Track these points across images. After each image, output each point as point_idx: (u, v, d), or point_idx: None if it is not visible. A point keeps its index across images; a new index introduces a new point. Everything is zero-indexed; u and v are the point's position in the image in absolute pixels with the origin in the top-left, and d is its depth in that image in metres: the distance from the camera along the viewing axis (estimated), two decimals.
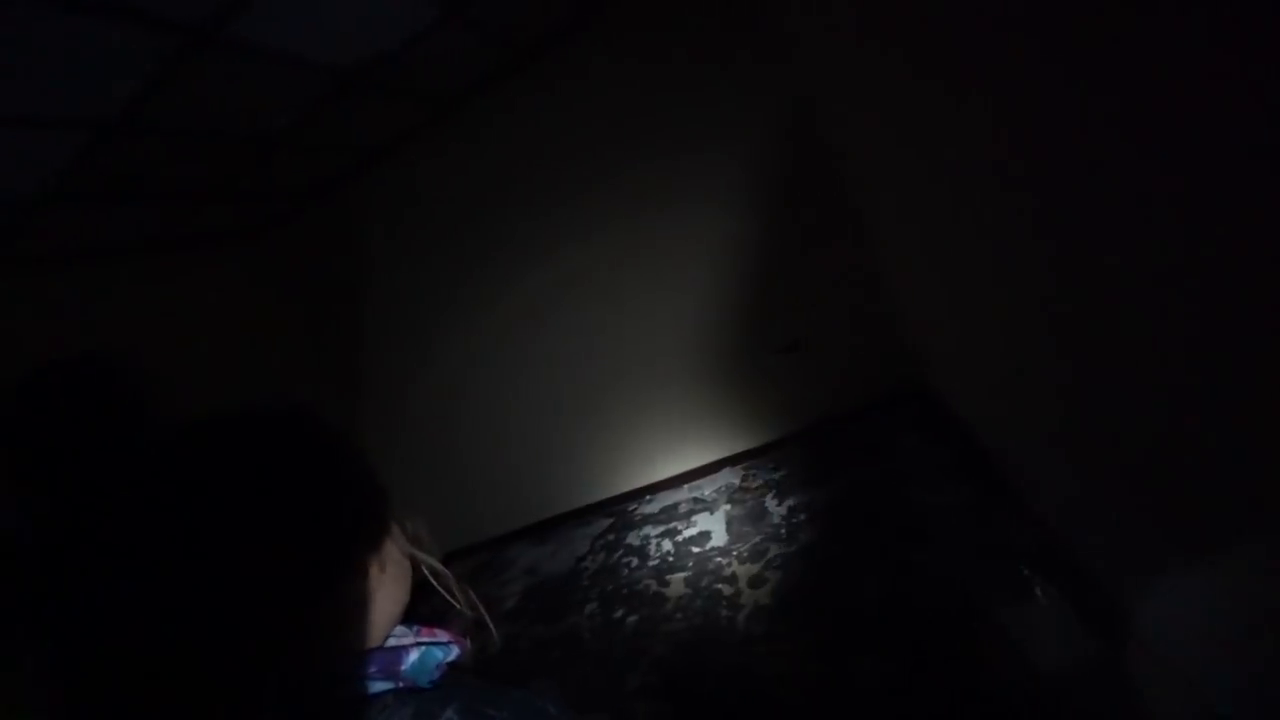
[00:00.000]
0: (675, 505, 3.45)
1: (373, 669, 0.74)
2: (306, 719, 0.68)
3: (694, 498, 3.44)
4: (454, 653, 0.82)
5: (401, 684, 0.76)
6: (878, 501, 2.78)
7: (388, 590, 0.79)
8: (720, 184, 3.04)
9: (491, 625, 0.90)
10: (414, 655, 0.78)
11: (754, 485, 3.28)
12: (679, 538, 3.15)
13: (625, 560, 3.14)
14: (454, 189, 3.16)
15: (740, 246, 3.13)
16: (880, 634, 2.18)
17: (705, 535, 3.08)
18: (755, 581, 2.67)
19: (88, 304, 2.31)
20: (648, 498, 3.56)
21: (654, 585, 2.86)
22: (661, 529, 3.28)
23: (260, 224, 3.02)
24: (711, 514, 3.22)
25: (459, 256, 3.27)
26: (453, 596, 0.89)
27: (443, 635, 0.86)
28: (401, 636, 0.83)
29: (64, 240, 2.13)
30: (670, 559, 3.03)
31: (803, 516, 2.91)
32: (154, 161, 2.01)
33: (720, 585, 2.74)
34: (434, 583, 0.85)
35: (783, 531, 2.88)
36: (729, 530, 3.05)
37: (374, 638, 0.78)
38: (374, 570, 0.77)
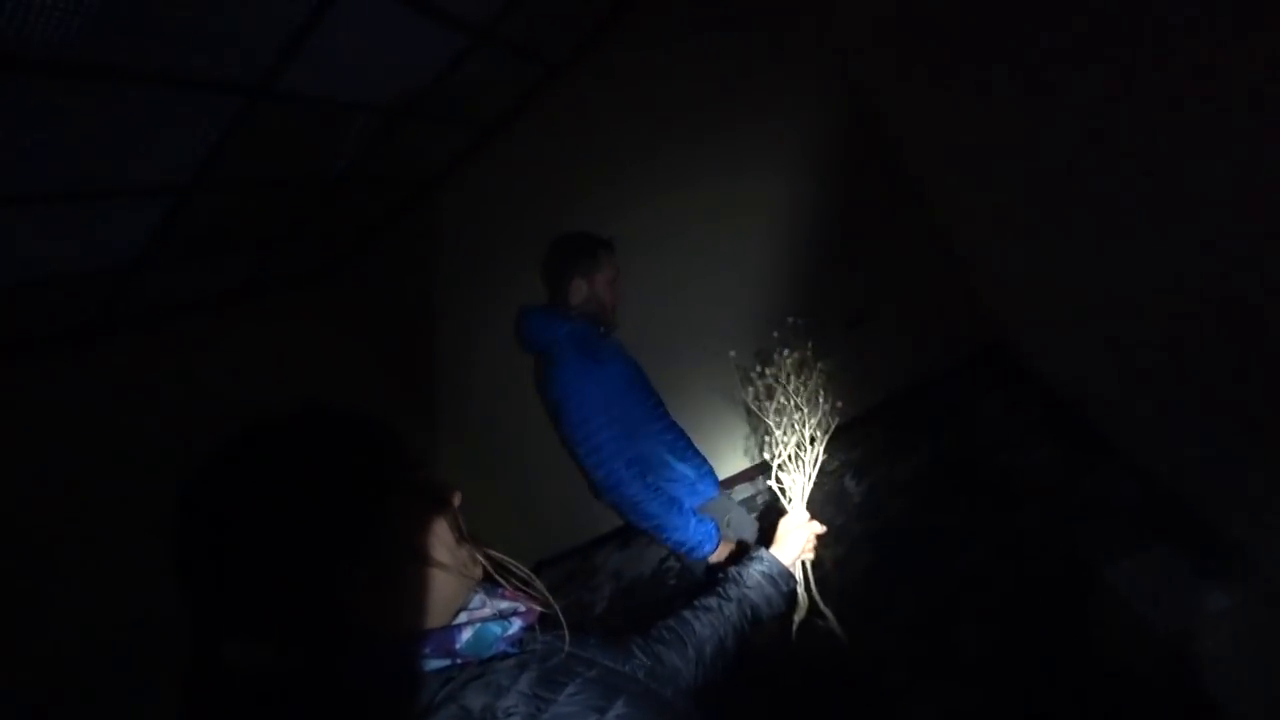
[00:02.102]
0: (753, 496, 3.42)
1: (427, 648, 0.76)
2: (363, 696, 0.69)
3: (770, 487, 3.39)
4: (516, 626, 0.83)
5: (459, 660, 0.77)
6: (963, 469, 2.68)
7: (443, 578, 0.79)
8: (775, 159, 3.02)
9: (562, 617, 0.92)
10: (467, 634, 0.79)
11: (832, 467, 3.21)
12: (759, 528, 3.12)
13: None
14: (509, 204, 3.24)
15: (798, 218, 3.09)
16: (981, 603, 2.10)
17: None
18: (842, 564, 2.62)
19: (185, 355, 2.48)
20: (725, 491, 3.53)
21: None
22: None
23: (333, 261, 3.19)
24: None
25: (523, 268, 3.35)
26: (526, 589, 0.90)
27: (520, 604, 0.86)
28: (478, 608, 0.85)
29: (159, 300, 2.30)
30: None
31: (885, 492, 2.83)
32: (229, 215, 2.15)
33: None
34: (498, 578, 0.86)
35: (866, 509, 2.81)
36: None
37: (434, 619, 0.78)
38: (432, 555, 0.78)
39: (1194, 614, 1.58)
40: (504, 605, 0.86)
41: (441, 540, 0.79)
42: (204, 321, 2.57)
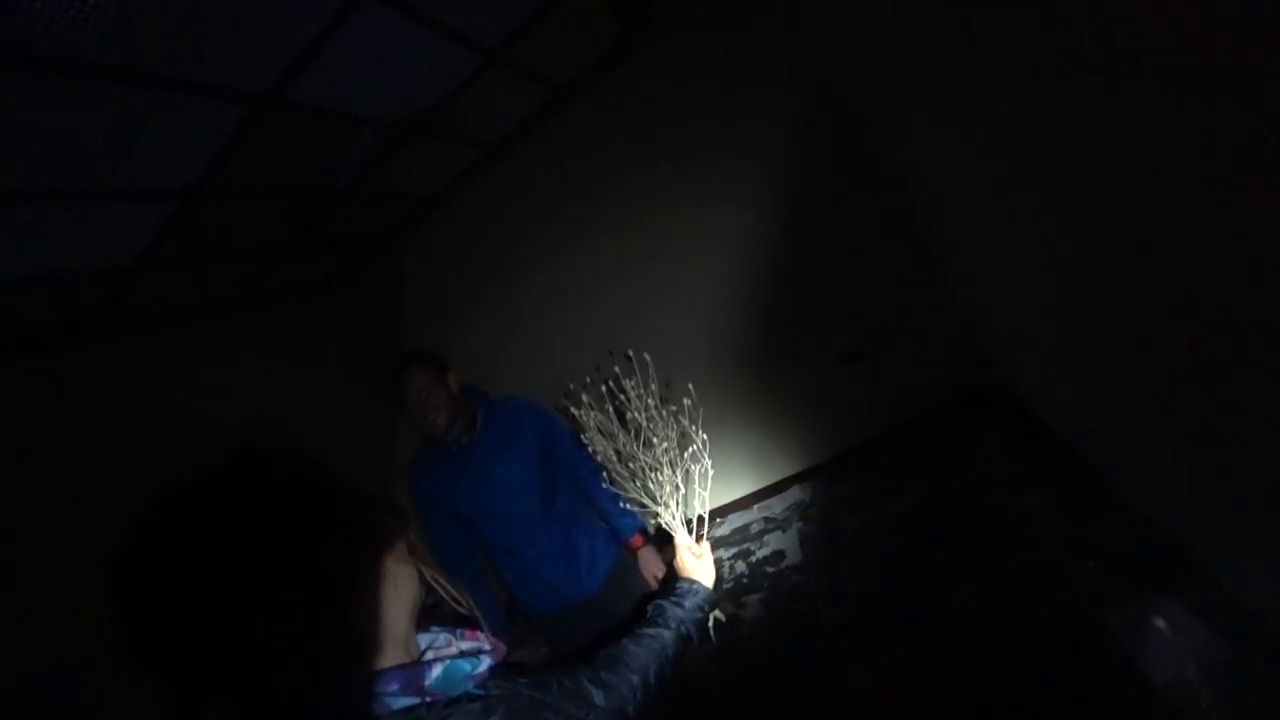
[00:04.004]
0: (747, 526, 3.38)
1: (394, 686, 0.74)
2: None
3: (765, 517, 3.37)
4: (485, 664, 0.82)
5: (428, 698, 0.76)
6: (957, 508, 2.66)
7: (395, 596, 0.78)
8: (771, 191, 3.04)
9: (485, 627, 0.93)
10: (437, 670, 0.77)
11: (825, 500, 3.18)
12: (752, 559, 3.09)
13: None
14: (509, 224, 3.26)
15: (793, 249, 3.10)
16: (974, 648, 2.06)
17: (779, 555, 3.01)
18: (834, 599, 2.58)
19: (183, 360, 2.48)
20: (719, 520, 3.50)
21: (730, 608, 2.80)
22: (734, 550, 3.23)
23: (335, 274, 3.18)
24: (784, 533, 3.15)
25: (522, 288, 3.38)
26: (454, 600, 0.90)
27: (486, 640, 0.86)
28: (444, 646, 0.84)
29: (157, 303, 2.30)
30: (745, 580, 2.98)
31: (879, 528, 2.80)
32: (233, 223, 2.15)
33: (798, 605, 2.66)
34: (436, 587, 0.87)
35: (859, 545, 2.78)
36: (803, 548, 2.97)
37: (389, 648, 0.76)
38: (382, 577, 0.77)
39: (1192, 664, 1.55)
40: (467, 645, 0.85)
41: (390, 575, 0.77)
42: (202, 326, 2.57)
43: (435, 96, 2.22)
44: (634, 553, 2.37)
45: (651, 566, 2.36)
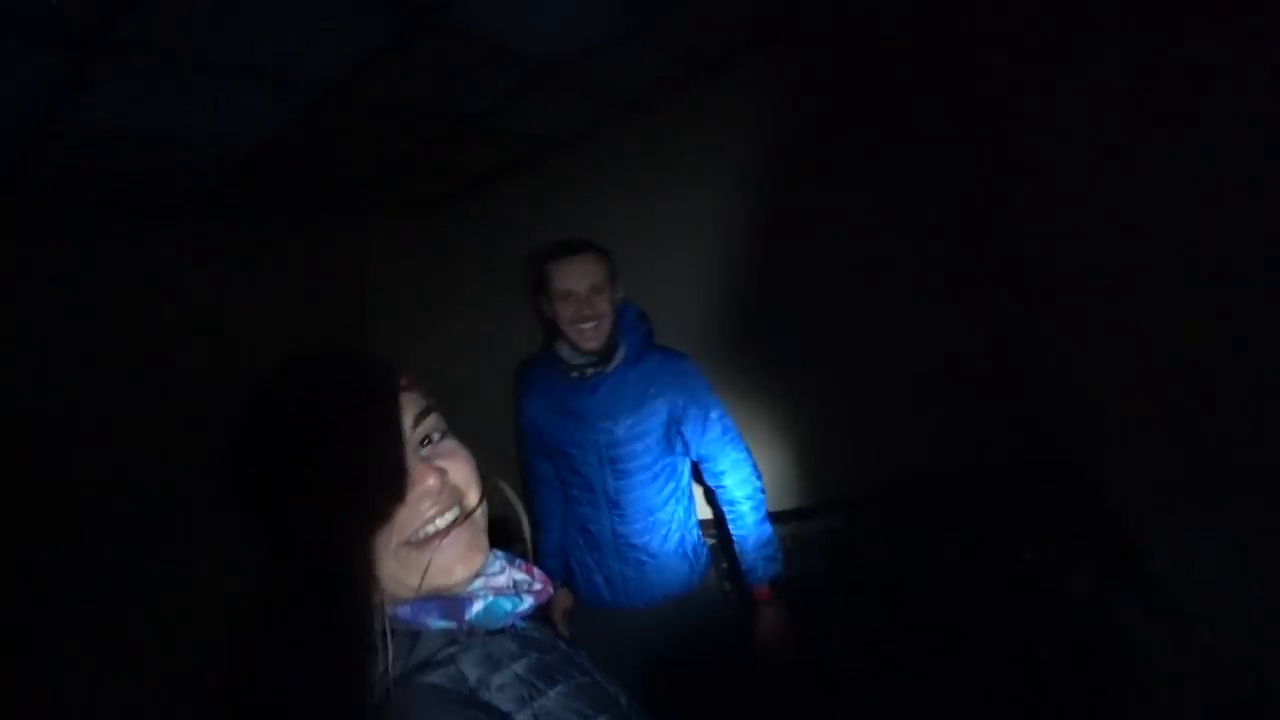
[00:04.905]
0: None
1: (435, 613, 0.77)
2: (366, 647, 0.70)
3: (792, 534, 3.27)
4: (527, 603, 0.82)
5: (465, 627, 0.78)
6: (994, 567, 2.43)
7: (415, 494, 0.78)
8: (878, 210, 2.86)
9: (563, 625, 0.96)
10: (478, 606, 0.79)
11: (850, 536, 3.02)
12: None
13: None
14: (617, 194, 3.21)
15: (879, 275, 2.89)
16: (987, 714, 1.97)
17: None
18: (845, 636, 2.51)
19: (278, 258, 2.60)
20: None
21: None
22: None
23: (437, 200, 3.28)
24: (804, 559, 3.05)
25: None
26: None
27: (537, 578, 0.87)
28: (496, 573, 0.86)
29: (259, 198, 2.40)
30: None
31: (907, 573, 2.63)
32: (357, 130, 2.23)
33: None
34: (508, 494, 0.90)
35: (883, 587, 2.66)
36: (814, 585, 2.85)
37: (443, 568, 0.77)
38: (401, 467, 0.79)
39: None
40: (520, 577, 0.86)
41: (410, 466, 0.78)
42: (303, 228, 2.67)
43: (580, 45, 2.19)
44: (756, 604, 2.02)
45: (772, 632, 1.98)
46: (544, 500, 2.15)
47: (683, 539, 2.02)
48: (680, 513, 2.03)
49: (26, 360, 1.86)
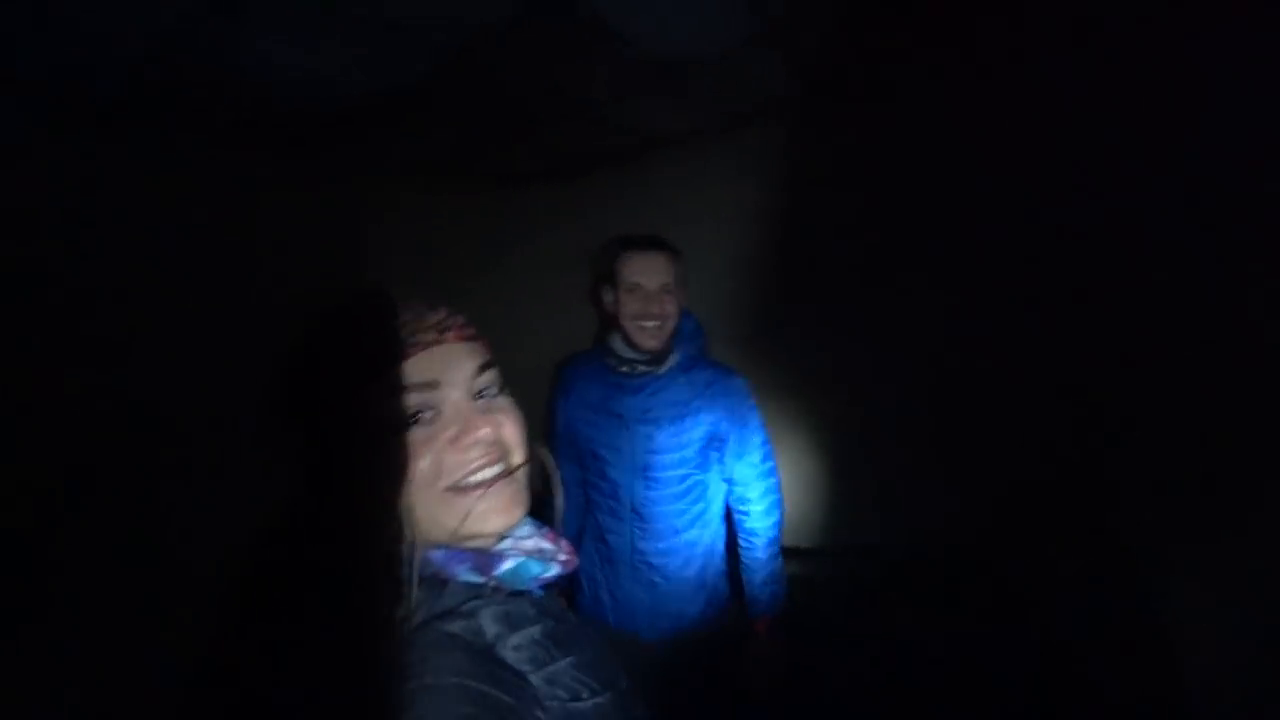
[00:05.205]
0: None
1: (465, 564, 0.79)
2: (393, 586, 0.72)
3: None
4: (554, 569, 0.84)
5: (491, 583, 0.80)
6: (1012, 648, 2.22)
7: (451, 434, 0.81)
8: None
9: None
10: (508, 564, 0.81)
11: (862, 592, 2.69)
12: None
13: None
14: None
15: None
16: None
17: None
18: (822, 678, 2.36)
19: (354, 205, 2.68)
20: None
21: None
22: None
23: (525, 178, 3.32)
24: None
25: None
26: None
27: (563, 548, 0.88)
28: (524, 538, 0.87)
29: (357, 146, 2.46)
30: None
31: (916, 635, 2.38)
32: (470, 98, 2.24)
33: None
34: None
35: (881, 645, 2.43)
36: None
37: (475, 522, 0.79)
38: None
39: None
40: (546, 545, 0.87)
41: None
42: (384, 183, 2.74)
43: (706, 47, 2.16)
44: (752, 633, 1.98)
45: (767, 661, 1.94)
46: (572, 490, 2.10)
47: (704, 569, 1.94)
48: (705, 538, 1.94)
49: (116, 261, 1.94)
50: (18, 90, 1.76)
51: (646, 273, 1.82)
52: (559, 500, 0.97)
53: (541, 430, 2.29)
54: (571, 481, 2.07)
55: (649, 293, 1.81)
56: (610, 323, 1.97)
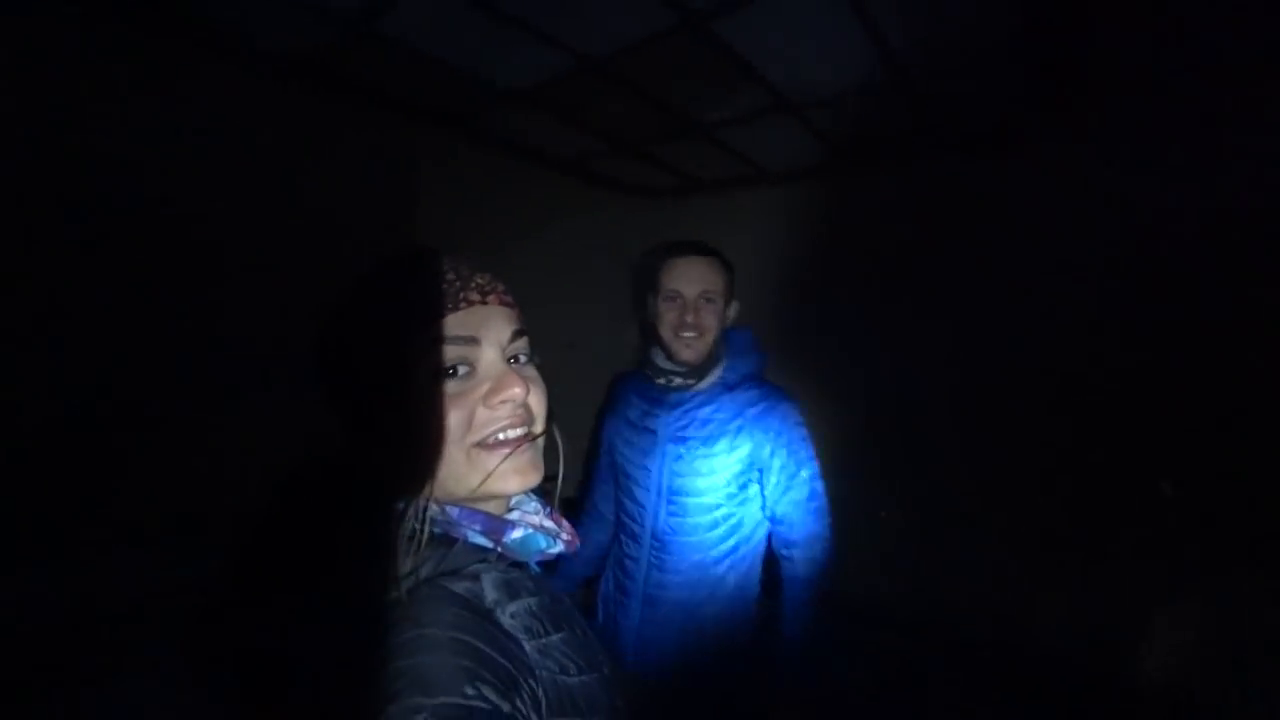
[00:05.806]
0: None
1: (477, 525, 0.81)
2: (406, 537, 0.75)
3: None
4: (558, 547, 0.88)
5: (499, 550, 0.82)
6: None
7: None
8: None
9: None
10: (518, 533, 0.84)
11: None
12: None
13: None
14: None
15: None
16: None
17: None
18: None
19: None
20: None
21: None
22: None
23: (628, 189, 3.44)
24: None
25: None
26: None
27: (565, 529, 0.93)
28: (531, 514, 0.91)
29: (482, 130, 2.65)
30: None
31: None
32: (599, 105, 2.34)
33: None
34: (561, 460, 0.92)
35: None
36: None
37: (489, 484, 0.82)
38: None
39: None
40: (550, 525, 0.91)
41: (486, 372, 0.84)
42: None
43: (828, 88, 2.18)
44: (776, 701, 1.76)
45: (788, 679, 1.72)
46: (591, 523, 2.00)
47: (728, 615, 1.70)
48: (733, 580, 1.71)
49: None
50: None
51: (686, 279, 1.71)
52: (561, 478, 0.96)
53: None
54: (606, 498, 1.96)
55: (687, 301, 1.69)
56: (651, 334, 1.85)
